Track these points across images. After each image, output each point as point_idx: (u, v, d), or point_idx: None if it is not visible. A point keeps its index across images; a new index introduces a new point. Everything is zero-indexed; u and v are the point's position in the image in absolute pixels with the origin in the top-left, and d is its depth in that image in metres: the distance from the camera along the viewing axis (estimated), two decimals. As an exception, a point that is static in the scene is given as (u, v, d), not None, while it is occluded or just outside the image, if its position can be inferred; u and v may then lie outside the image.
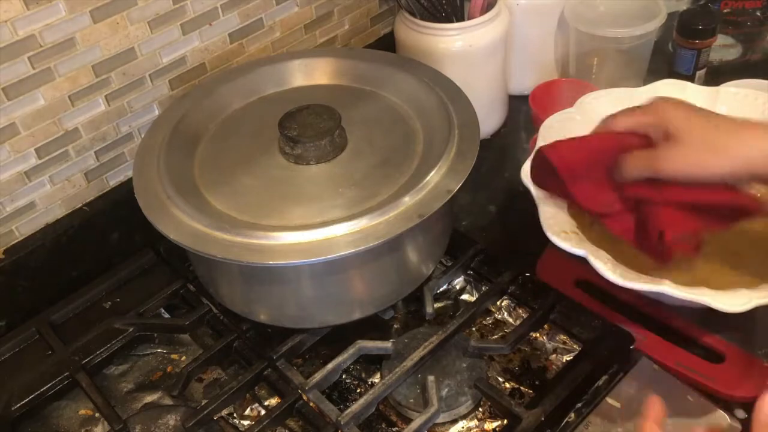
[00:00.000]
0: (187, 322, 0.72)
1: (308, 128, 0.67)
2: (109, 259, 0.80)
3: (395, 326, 0.73)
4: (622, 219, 0.65)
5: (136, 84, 0.78)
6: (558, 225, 0.67)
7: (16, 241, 0.76)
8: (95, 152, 0.78)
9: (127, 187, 0.78)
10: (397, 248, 0.65)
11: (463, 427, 0.64)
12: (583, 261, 0.64)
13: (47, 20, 0.68)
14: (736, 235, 0.70)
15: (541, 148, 0.67)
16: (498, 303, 0.73)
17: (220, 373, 0.71)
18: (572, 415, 0.62)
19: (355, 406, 0.62)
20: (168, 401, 0.68)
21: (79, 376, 0.68)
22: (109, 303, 0.76)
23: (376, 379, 0.68)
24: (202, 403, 0.65)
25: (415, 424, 0.61)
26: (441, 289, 0.75)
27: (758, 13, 1.03)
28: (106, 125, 0.78)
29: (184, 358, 0.72)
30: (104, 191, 0.81)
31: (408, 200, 0.60)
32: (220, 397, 0.64)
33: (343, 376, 0.68)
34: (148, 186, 0.65)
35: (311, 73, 0.78)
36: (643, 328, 0.70)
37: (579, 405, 0.63)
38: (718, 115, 0.61)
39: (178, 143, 0.69)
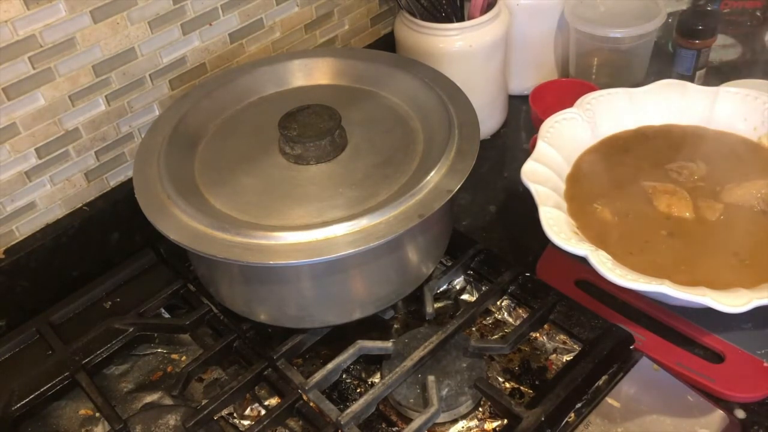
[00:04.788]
0: (187, 322, 0.72)
1: (308, 128, 0.67)
2: (109, 259, 0.80)
3: (395, 326, 0.73)
4: None
5: (136, 84, 0.78)
6: (558, 225, 0.67)
7: (16, 241, 0.76)
8: (95, 152, 0.78)
9: (127, 187, 0.78)
10: (397, 248, 0.65)
11: (463, 427, 0.64)
12: (583, 261, 0.64)
13: (47, 20, 0.68)
14: (736, 235, 0.70)
15: None
16: (498, 303, 0.73)
17: (220, 373, 0.71)
18: (572, 415, 0.62)
19: (355, 406, 0.62)
20: (168, 401, 0.68)
21: (79, 376, 0.68)
22: (109, 303, 0.76)
23: (376, 379, 0.68)
24: (202, 403, 0.65)
25: (415, 424, 0.61)
26: (441, 289, 0.75)
27: (758, 13, 1.03)
28: (107, 125, 0.78)
29: (184, 358, 0.72)
30: (104, 191, 0.81)
31: (408, 200, 0.60)
32: (220, 397, 0.64)
33: (343, 376, 0.68)
34: (148, 186, 0.65)
35: (311, 73, 0.78)
36: (643, 328, 0.70)
37: (579, 405, 0.63)
38: None
39: (178, 143, 0.69)
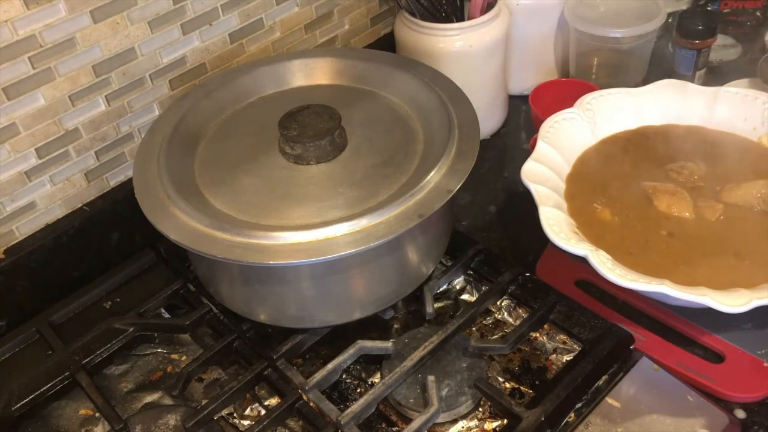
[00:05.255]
0: (187, 322, 0.72)
1: (308, 128, 0.67)
2: (109, 259, 0.80)
3: (395, 326, 0.73)
4: None
5: (136, 84, 0.78)
6: (558, 225, 0.67)
7: (16, 241, 0.76)
8: (95, 152, 0.78)
9: (127, 187, 0.78)
10: (397, 248, 0.65)
11: (463, 427, 0.64)
12: (583, 261, 0.64)
13: (47, 20, 0.68)
14: (736, 235, 0.70)
15: None
16: (498, 303, 0.73)
17: (220, 373, 0.71)
18: (572, 415, 0.62)
19: (355, 406, 0.62)
20: (168, 401, 0.68)
21: (79, 376, 0.68)
22: (109, 303, 0.76)
23: (376, 379, 0.68)
24: (202, 403, 0.65)
25: (415, 424, 0.61)
26: (441, 289, 0.75)
27: (758, 13, 1.03)
28: (107, 125, 0.78)
29: (184, 358, 0.72)
30: (104, 191, 0.81)
31: (408, 200, 0.60)
32: (220, 397, 0.64)
33: (343, 376, 0.68)
34: (148, 186, 0.65)
35: (311, 73, 0.78)
36: (643, 328, 0.70)
37: (579, 405, 0.63)
38: None
39: (178, 143, 0.69)
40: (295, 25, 0.90)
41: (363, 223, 0.59)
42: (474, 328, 0.72)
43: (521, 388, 0.66)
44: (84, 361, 0.69)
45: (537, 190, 0.70)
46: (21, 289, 0.76)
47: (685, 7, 1.05)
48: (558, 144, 0.77)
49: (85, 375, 0.68)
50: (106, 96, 0.76)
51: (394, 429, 0.64)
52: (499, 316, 0.73)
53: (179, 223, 0.61)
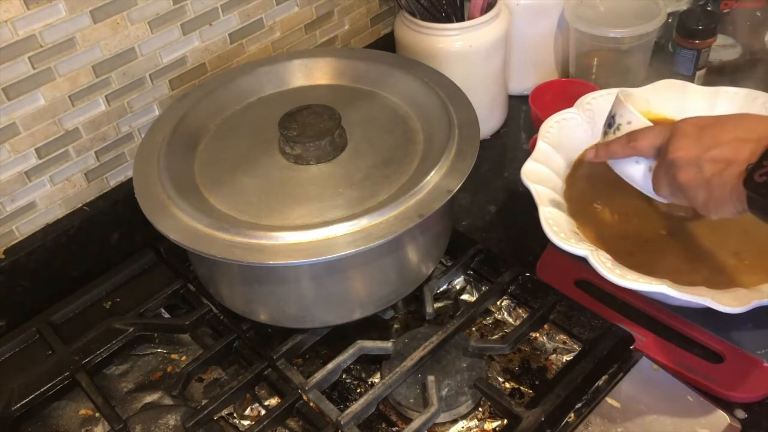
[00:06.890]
0: (187, 322, 0.72)
1: (308, 128, 0.67)
2: (109, 259, 0.80)
3: (395, 326, 0.73)
4: None
5: (136, 84, 0.78)
6: (558, 225, 0.67)
7: (16, 241, 0.76)
8: (95, 152, 0.78)
9: (127, 187, 0.78)
10: (397, 248, 0.65)
11: (463, 427, 0.64)
12: (583, 261, 0.64)
13: (47, 20, 0.68)
14: (736, 235, 0.70)
15: None
16: (498, 303, 0.73)
17: (220, 373, 0.71)
18: (572, 415, 0.62)
19: (355, 406, 0.62)
20: (168, 401, 0.68)
21: (79, 376, 0.68)
22: (109, 303, 0.76)
23: (376, 379, 0.68)
24: (202, 403, 0.65)
25: (415, 424, 0.61)
26: (441, 289, 0.75)
27: (758, 13, 1.03)
28: (107, 125, 0.78)
29: (184, 358, 0.72)
30: (104, 191, 0.81)
31: (408, 200, 0.60)
32: (220, 397, 0.64)
33: (343, 376, 0.68)
34: (148, 186, 0.65)
35: (311, 73, 0.78)
36: (643, 328, 0.70)
37: (579, 405, 0.63)
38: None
39: (178, 143, 0.69)
40: (295, 25, 0.90)
41: (363, 223, 0.59)
42: (474, 328, 0.72)
43: (521, 388, 0.66)
44: (84, 361, 0.69)
45: (537, 190, 0.70)
46: (21, 289, 0.76)
47: (685, 7, 1.04)
48: (558, 144, 0.77)
49: (85, 375, 0.68)
50: (106, 96, 0.76)
51: (394, 429, 0.64)
52: (499, 316, 0.73)
53: (179, 223, 0.61)
